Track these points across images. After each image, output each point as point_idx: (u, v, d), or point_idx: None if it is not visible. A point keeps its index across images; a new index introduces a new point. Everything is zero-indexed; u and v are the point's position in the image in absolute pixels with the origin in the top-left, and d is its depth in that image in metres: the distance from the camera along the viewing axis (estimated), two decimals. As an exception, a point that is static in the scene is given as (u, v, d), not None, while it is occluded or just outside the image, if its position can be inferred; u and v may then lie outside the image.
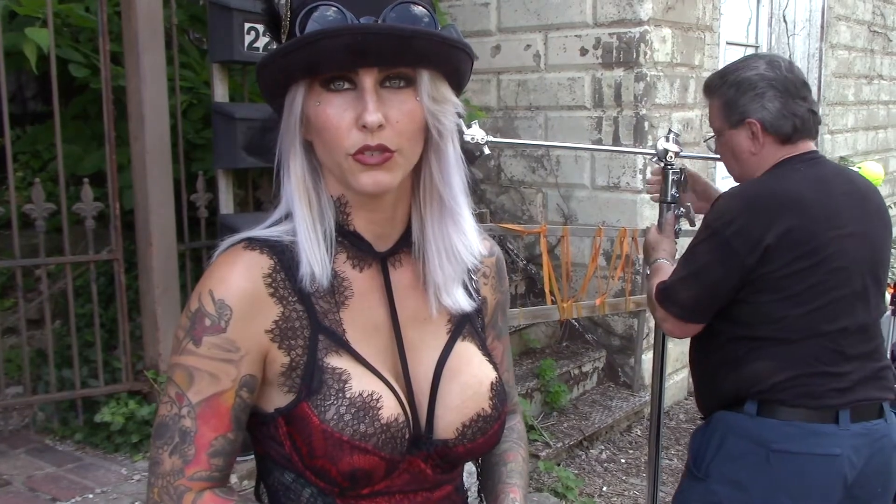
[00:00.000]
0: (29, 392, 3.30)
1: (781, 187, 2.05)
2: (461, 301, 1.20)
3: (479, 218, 4.42)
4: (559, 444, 4.58)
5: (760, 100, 2.11)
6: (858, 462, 2.01)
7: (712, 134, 2.31)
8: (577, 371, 5.25)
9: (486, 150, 2.50)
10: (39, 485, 2.95)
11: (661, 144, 2.58)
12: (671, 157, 2.57)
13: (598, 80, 5.26)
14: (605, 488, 4.39)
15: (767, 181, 2.10)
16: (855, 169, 2.62)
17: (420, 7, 1.06)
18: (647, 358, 5.20)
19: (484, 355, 1.23)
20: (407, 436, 1.12)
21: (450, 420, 1.16)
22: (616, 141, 5.22)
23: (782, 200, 2.02)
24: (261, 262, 1.11)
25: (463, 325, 1.22)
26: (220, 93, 3.25)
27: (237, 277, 1.09)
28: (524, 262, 5.65)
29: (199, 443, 1.07)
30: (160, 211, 3.18)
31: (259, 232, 1.15)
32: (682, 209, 2.54)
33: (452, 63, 1.09)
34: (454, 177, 1.17)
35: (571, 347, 5.51)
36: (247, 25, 3.15)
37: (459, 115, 1.16)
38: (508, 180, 5.75)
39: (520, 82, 5.59)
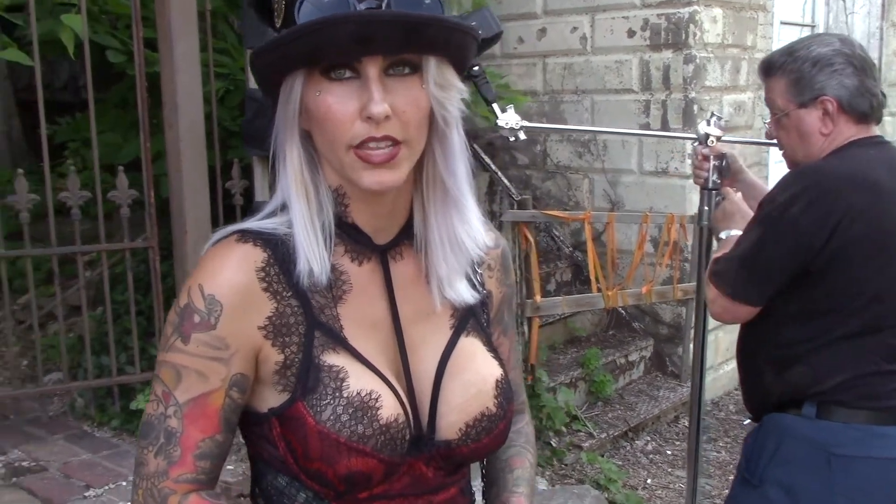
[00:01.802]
0: (68, 379, 3.33)
1: (852, 168, 1.93)
2: (465, 294, 1.14)
3: (522, 204, 4.37)
4: (603, 435, 4.51)
5: (839, 76, 1.97)
6: None
7: (767, 118, 2.20)
8: (623, 360, 5.16)
9: (522, 136, 2.42)
10: (74, 471, 2.98)
11: (703, 128, 2.47)
12: (712, 142, 2.46)
13: (646, 63, 5.13)
14: (649, 480, 4.31)
15: (836, 161, 1.98)
16: None
17: None
18: (707, 344, 5.08)
19: (489, 351, 1.17)
20: (407, 437, 1.07)
21: (452, 420, 1.10)
22: (664, 125, 5.09)
23: (854, 181, 1.89)
24: (254, 256, 1.06)
25: (467, 320, 1.17)
26: (254, 79, 3.22)
27: (228, 271, 1.05)
28: (570, 248, 5.56)
29: (185, 444, 1.03)
30: (195, 198, 3.17)
31: (253, 224, 1.10)
32: (721, 196, 2.44)
33: (459, 49, 1.03)
34: (459, 165, 1.11)
35: (618, 336, 5.42)
36: (280, 10, 3.11)
37: (464, 101, 1.10)
38: (555, 165, 5.66)
39: (566, 65, 5.48)
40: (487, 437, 1.12)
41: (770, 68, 2.11)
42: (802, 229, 1.88)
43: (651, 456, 4.58)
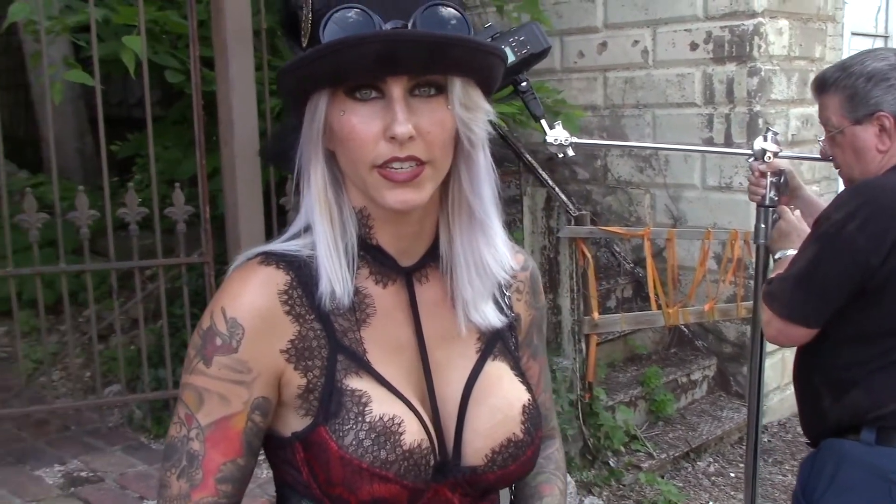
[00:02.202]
0: (126, 391, 3.39)
1: None
2: (491, 317, 1.12)
3: (579, 220, 4.31)
4: (663, 456, 4.41)
5: (895, 91, 1.92)
6: None
7: (823, 136, 2.14)
8: (685, 379, 5.05)
9: (570, 152, 2.38)
10: (130, 482, 3.03)
11: (759, 144, 2.41)
12: (769, 158, 2.40)
13: (709, 76, 5.03)
14: (710, 503, 4.19)
15: (894, 177, 1.91)
16: None
17: (450, 8, 0.99)
18: (764, 366, 4.95)
19: (516, 375, 1.15)
20: (432, 462, 1.05)
21: (478, 446, 1.08)
22: (728, 140, 4.99)
23: None
24: (276, 278, 1.05)
25: (494, 344, 1.15)
26: (310, 96, 3.25)
27: (250, 294, 1.04)
28: (631, 265, 5.48)
29: (207, 467, 1.03)
30: (249, 214, 3.21)
31: (276, 246, 1.10)
32: (778, 214, 2.37)
33: (486, 69, 1.02)
34: (485, 187, 1.09)
35: (680, 354, 5.31)
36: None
37: (491, 123, 1.08)
38: (615, 181, 5.59)
39: (627, 79, 5.41)
40: (514, 463, 1.09)
41: (823, 85, 2.05)
42: (859, 247, 1.82)
43: (713, 478, 4.46)
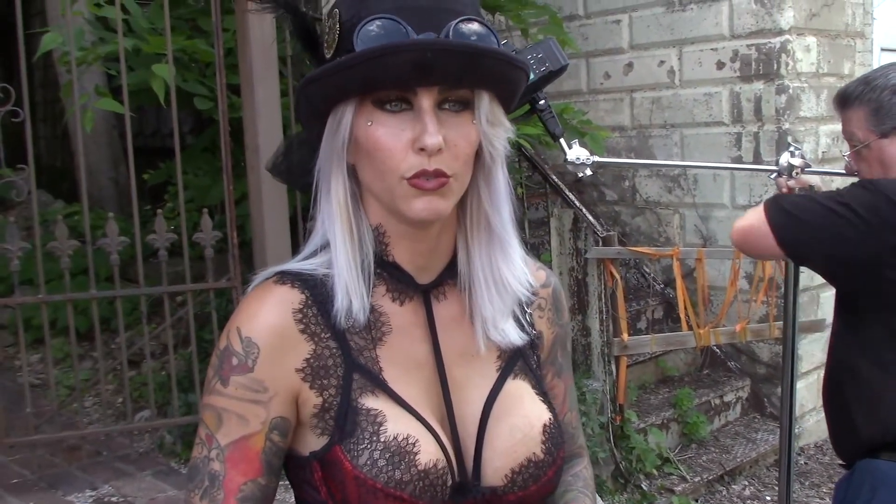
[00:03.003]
0: (156, 416, 3.41)
1: None
2: (511, 335, 1.11)
3: (607, 241, 4.30)
4: (697, 479, 4.36)
5: None
6: None
7: (848, 152, 2.11)
8: (718, 401, 4.99)
9: (589, 172, 2.38)
10: (159, 508, 3.05)
11: (786, 160, 2.39)
12: (797, 174, 2.38)
13: (737, 95, 5.01)
14: (746, 527, 4.13)
15: None
16: None
17: (478, 23, 1.00)
18: (799, 387, 4.87)
19: (538, 394, 1.14)
20: (449, 483, 1.03)
21: (498, 465, 1.07)
22: (756, 158, 4.95)
23: None
24: (291, 297, 1.06)
25: (514, 362, 1.14)
26: (335, 121, 3.28)
27: (265, 314, 1.05)
28: (661, 285, 5.44)
29: (228, 487, 1.03)
30: (276, 239, 3.24)
31: (292, 265, 1.10)
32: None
33: (513, 85, 1.03)
34: (503, 203, 1.09)
35: (712, 375, 5.24)
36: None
37: (518, 144, 1.08)
38: (644, 201, 5.56)
39: (654, 99, 5.40)
40: (535, 484, 1.08)
41: (846, 99, 2.03)
42: (871, 223, 1.79)
43: (749, 501, 4.40)
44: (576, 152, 2.38)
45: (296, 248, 3.41)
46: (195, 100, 3.58)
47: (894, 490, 1.82)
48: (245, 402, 1.03)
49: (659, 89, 5.37)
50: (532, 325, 1.18)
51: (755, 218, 1.93)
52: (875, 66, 5.30)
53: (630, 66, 5.48)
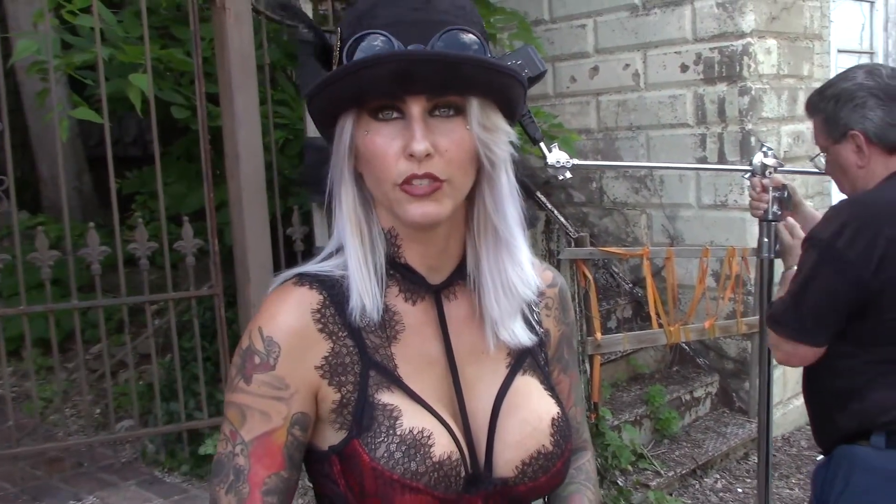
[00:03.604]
0: (139, 425, 3.41)
1: (891, 200, 1.93)
2: (520, 335, 1.16)
3: (579, 242, 4.37)
4: (671, 473, 4.43)
5: (861, 109, 2.00)
6: None
7: (818, 152, 2.21)
8: (688, 397, 5.08)
9: (569, 175, 2.44)
10: (146, 516, 3.05)
11: (759, 159, 2.47)
12: (770, 173, 2.46)
13: (701, 97, 5.12)
14: (720, 519, 4.22)
15: (877, 191, 1.99)
16: None
17: (470, 35, 1.04)
18: (773, 380, 4.98)
19: (546, 390, 1.18)
20: (462, 474, 1.08)
21: (509, 458, 1.11)
22: (721, 158, 5.06)
23: (892, 213, 1.89)
24: (310, 298, 1.09)
25: (523, 359, 1.18)
26: (312, 128, 3.31)
27: (285, 314, 1.09)
28: (630, 285, 5.53)
29: (253, 481, 1.06)
30: (257, 246, 3.26)
31: (310, 267, 1.14)
32: (778, 228, 2.42)
33: (504, 91, 1.06)
34: (508, 208, 1.12)
35: (682, 372, 5.34)
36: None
37: (512, 144, 1.13)
38: (611, 202, 5.65)
39: (619, 102, 5.50)
40: (545, 475, 1.12)
41: (808, 109, 2.17)
42: (850, 263, 1.88)
43: (721, 494, 4.48)
44: (555, 156, 2.45)
45: (276, 255, 3.44)
46: (172, 108, 3.59)
47: (868, 472, 1.92)
48: (267, 398, 1.07)
49: (624, 92, 5.46)
50: (540, 323, 1.22)
51: (776, 345, 2.06)
52: (832, 66, 5.45)
53: (596, 69, 5.57)
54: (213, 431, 3.31)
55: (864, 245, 1.87)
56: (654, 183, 5.40)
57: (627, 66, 5.41)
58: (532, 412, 1.14)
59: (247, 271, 3.25)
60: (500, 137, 1.08)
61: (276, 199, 3.50)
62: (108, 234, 3.53)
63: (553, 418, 1.15)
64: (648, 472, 4.41)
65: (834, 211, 2.00)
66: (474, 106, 1.04)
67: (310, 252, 3.53)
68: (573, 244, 4.30)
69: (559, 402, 1.18)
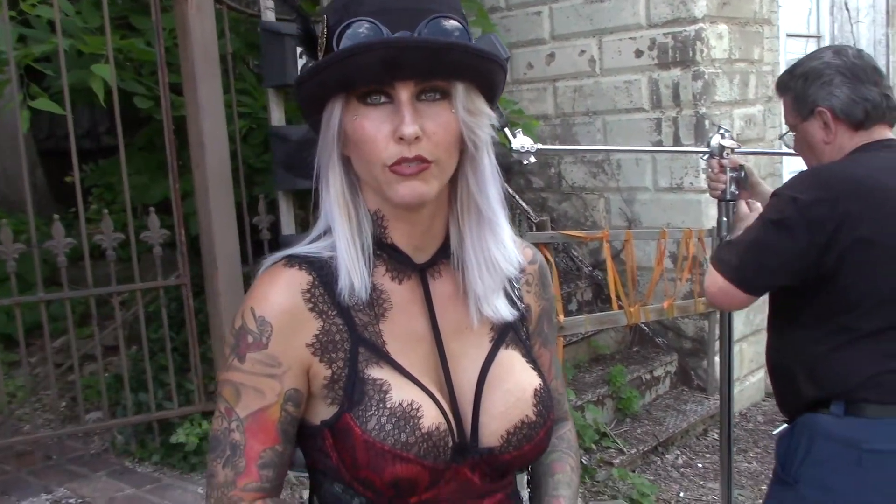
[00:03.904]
0: (108, 416, 3.41)
1: (856, 173, 2.00)
2: (502, 311, 1.20)
3: (540, 226, 4.44)
4: (633, 451, 4.53)
5: (828, 87, 2.07)
6: None
7: (786, 130, 2.29)
8: (648, 376, 5.19)
9: (533, 159, 2.50)
10: (120, 506, 3.06)
11: (717, 141, 2.54)
12: (727, 154, 2.54)
13: (655, 82, 5.21)
14: (682, 494, 4.32)
15: (843, 164, 2.05)
16: None
17: (453, 21, 1.07)
18: (734, 357, 5.10)
19: (528, 363, 1.23)
20: (450, 444, 1.12)
21: (494, 428, 1.16)
22: (676, 142, 5.16)
23: (854, 186, 1.96)
24: (300, 279, 1.13)
25: (506, 334, 1.23)
26: (277, 116, 3.33)
27: (276, 295, 1.12)
28: (589, 268, 5.62)
29: (249, 455, 1.10)
30: (224, 235, 3.26)
31: (299, 249, 1.17)
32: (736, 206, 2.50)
33: (486, 75, 1.10)
34: (490, 187, 1.17)
35: (642, 352, 5.45)
36: (299, 50, 3.22)
37: (493, 126, 1.17)
38: (570, 187, 5.73)
39: (576, 88, 5.57)
40: (528, 444, 1.17)
41: (778, 89, 2.24)
42: (805, 226, 1.94)
43: (682, 469, 4.60)
44: (520, 141, 2.51)
45: (243, 243, 3.45)
46: (135, 99, 3.57)
47: (828, 440, 1.99)
48: (261, 376, 1.11)
49: (580, 78, 5.54)
50: (521, 299, 1.27)
51: (711, 280, 2.09)
52: (781, 51, 5.58)
53: (552, 56, 5.63)
54: (184, 421, 3.32)
55: (820, 213, 1.92)
56: (612, 167, 5.49)
57: (583, 52, 5.48)
58: (515, 384, 1.19)
59: (214, 260, 3.26)
60: (483, 121, 1.12)
61: (241, 188, 3.51)
62: (67, 227, 3.50)
63: (535, 389, 1.19)
64: (612, 450, 4.50)
65: (801, 177, 2.06)
66: (459, 90, 1.08)
67: (276, 240, 3.55)
68: (534, 229, 4.36)
69: (541, 375, 1.23)
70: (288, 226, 3.40)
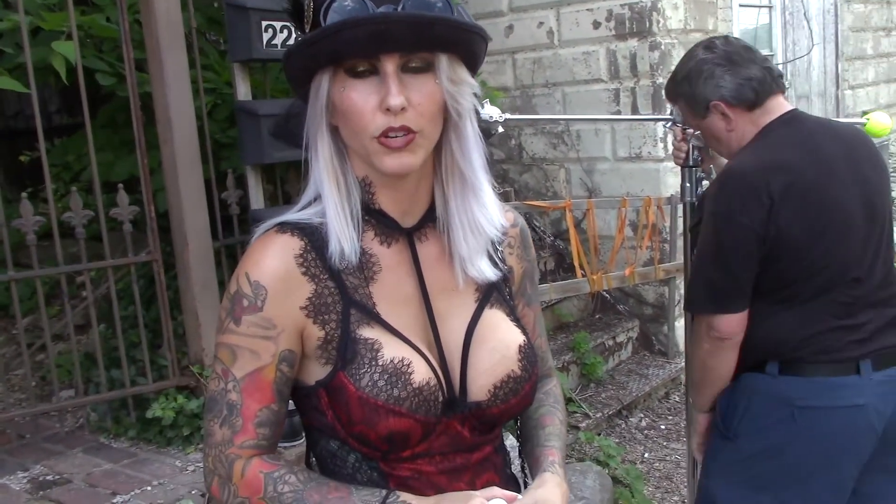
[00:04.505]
0: (81, 394, 3.41)
1: (764, 157, 2.08)
2: (486, 272, 1.26)
3: (504, 197, 4.49)
4: (598, 415, 4.64)
5: (712, 80, 2.15)
6: (886, 409, 2.04)
7: (692, 130, 2.39)
8: (611, 342, 5.30)
9: (501, 129, 2.55)
10: (99, 481, 3.07)
11: (679, 109, 2.61)
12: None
13: (613, 53, 5.28)
14: (646, 455, 4.45)
15: (748, 155, 2.13)
16: (863, 120, 2.64)
17: None
18: (681, 325, 5.24)
19: (512, 321, 1.29)
20: (441, 399, 1.18)
21: (482, 383, 1.22)
22: (634, 111, 5.25)
23: (769, 169, 2.04)
24: (292, 244, 1.18)
25: (490, 294, 1.28)
26: (243, 91, 3.33)
27: (270, 260, 1.17)
28: (551, 238, 5.71)
29: (246, 414, 1.15)
30: (194, 211, 3.27)
31: (290, 216, 1.22)
32: (702, 173, 2.59)
33: (469, 47, 1.15)
34: (474, 153, 1.22)
35: (604, 319, 5.56)
36: (264, 24, 3.22)
37: (476, 95, 1.22)
38: (531, 158, 5.80)
39: (535, 60, 5.63)
40: (515, 397, 1.23)
41: (669, 98, 2.34)
42: (747, 227, 2.02)
43: (646, 431, 4.72)
44: (488, 111, 2.56)
45: (212, 219, 3.46)
46: (97, 76, 3.55)
47: (764, 397, 2.10)
48: (256, 338, 1.16)
49: (539, 50, 5.59)
50: (503, 260, 1.33)
51: (703, 332, 2.13)
52: (735, 21, 5.68)
53: (511, 28, 5.68)
54: (159, 396, 3.34)
55: (754, 208, 2.01)
56: (572, 138, 5.57)
57: (541, 24, 5.53)
58: (500, 341, 1.25)
59: (184, 236, 3.27)
60: (466, 90, 1.18)
61: (210, 164, 3.52)
62: (16, 209, 3.45)
63: (520, 346, 1.26)
64: (578, 414, 4.60)
65: (717, 186, 2.13)
66: (443, 62, 1.13)
67: (245, 215, 3.57)
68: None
69: (524, 332, 1.30)
70: (256, 200, 3.42)
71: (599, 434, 4.52)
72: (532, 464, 1.33)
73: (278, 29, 3.26)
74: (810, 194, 2.02)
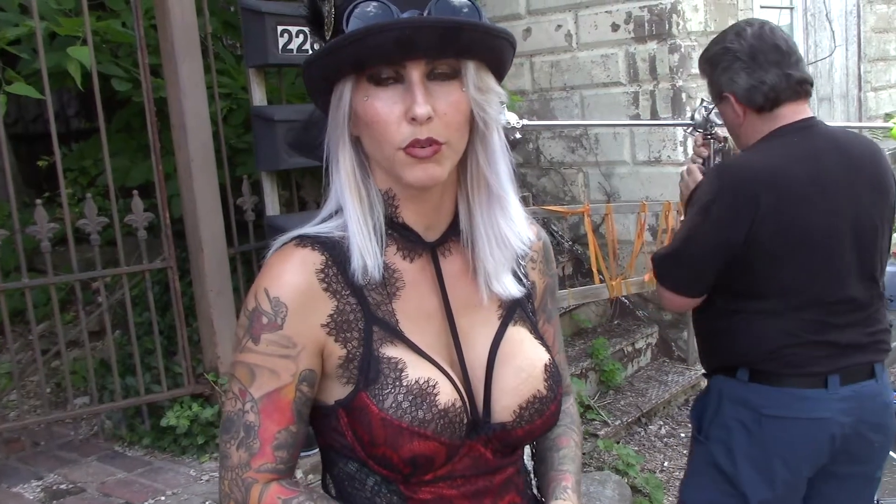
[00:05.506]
0: (95, 401, 3.39)
1: (765, 164, 2.05)
2: (511, 287, 1.21)
3: (522, 202, 4.42)
4: (617, 422, 4.58)
5: (728, 73, 2.13)
6: (847, 422, 2.06)
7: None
8: (630, 348, 5.24)
9: (518, 135, 2.53)
10: (112, 490, 3.04)
11: (701, 114, 2.57)
12: (711, 127, 2.57)
13: (632, 55, 5.22)
14: (666, 463, 4.39)
15: (752, 157, 2.11)
16: (889, 124, 2.60)
17: None
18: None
19: (535, 338, 1.25)
20: (465, 420, 1.14)
21: (506, 403, 1.17)
22: (654, 115, 5.19)
23: (765, 178, 2.02)
24: (313, 259, 1.13)
25: (514, 311, 1.24)
26: (258, 96, 3.31)
27: (290, 275, 1.12)
28: (570, 243, 5.65)
29: (263, 436, 1.11)
30: (209, 217, 3.25)
31: (310, 229, 1.17)
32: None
33: (497, 53, 1.11)
34: (500, 164, 1.18)
35: (623, 325, 5.50)
36: (280, 28, 3.19)
37: (502, 104, 1.17)
38: (548, 162, 5.74)
39: (553, 63, 5.57)
40: (539, 418, 1.19)
41: (700, 72, 2.29)
42: (722, 226, 2.03)
43: (665, 440, 4.66)
44: (506, 117, 2.52)
45: (227, 225, 3.43)
46: (113, 81, 3.53)
47: (733, 402, 2.13)
48: (276, 357, 1.11)
49: (557, 53, 5.54)
50: (526, 275, 1.29)
51: (659, 290, 2.21)
52: (756, 23, 5.59)
53: (528, 31, 5.63)
54: (173, 404, 3.32)
55: (735, 213, 2.01)
56: (590, 142, 5.51)
57: (559, 26, 5.48)
58: (525, 360, 1.21)
59: (199, 242, 3.24)
60: (493, 98, 1.13)
61: (225, 169, 3.49)
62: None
63: (545, 364, 1.22)
64: (596, 422, 4.55)
65: (710, 177, 2.13)
66: (470, 69, 1.09)
67: (261, 221, 3.53)
68: (516, 204, 4.36)
69: (548, 350, 1.25)
70: (272, 206, 3.39)
71: (618, 442, 4.46)
72: (545, 486, 1.29)
73: (294, 34, 3.23)
74: (796, 212, 2.02)
